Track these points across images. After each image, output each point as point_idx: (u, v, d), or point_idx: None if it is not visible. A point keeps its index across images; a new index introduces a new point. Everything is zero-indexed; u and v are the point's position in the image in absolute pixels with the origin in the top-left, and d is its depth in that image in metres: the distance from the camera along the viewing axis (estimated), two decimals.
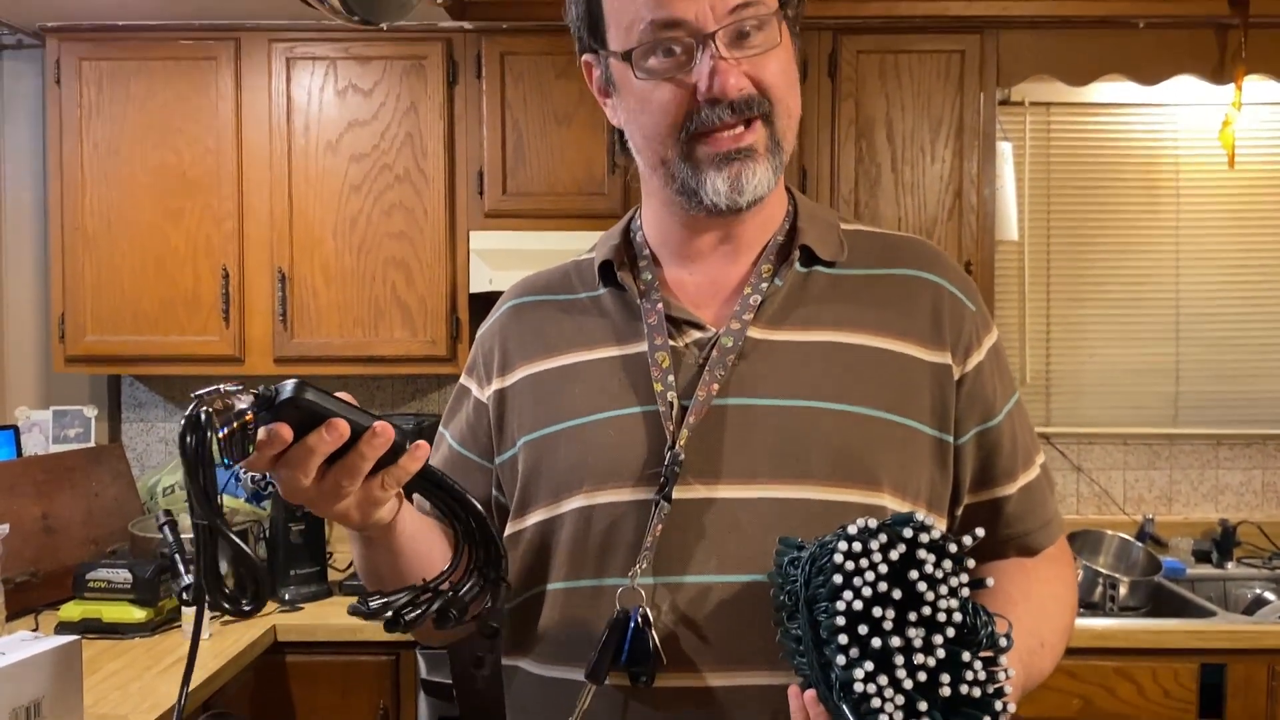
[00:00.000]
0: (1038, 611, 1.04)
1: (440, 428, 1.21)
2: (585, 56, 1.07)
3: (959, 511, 1.08)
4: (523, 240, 2.78)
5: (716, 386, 1.00)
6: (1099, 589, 2.68)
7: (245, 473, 2.90)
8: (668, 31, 0.97)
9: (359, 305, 2.83)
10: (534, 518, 1.06)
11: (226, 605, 0.85)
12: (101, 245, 2.84)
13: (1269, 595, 2.91)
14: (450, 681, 2.33)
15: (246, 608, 0.85)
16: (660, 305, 1.06)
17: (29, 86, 3.15)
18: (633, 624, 0.95)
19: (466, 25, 2.80)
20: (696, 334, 1.04)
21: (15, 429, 2.81)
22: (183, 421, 0.78)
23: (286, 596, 2.62)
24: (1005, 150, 2.96)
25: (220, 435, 0.78)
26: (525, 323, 1.14)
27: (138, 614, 2.36)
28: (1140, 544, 2.91)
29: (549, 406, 1.07)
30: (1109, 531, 2.94)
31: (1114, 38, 2.81)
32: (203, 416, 0.77)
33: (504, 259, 2.77)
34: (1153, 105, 3.13)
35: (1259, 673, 2.45)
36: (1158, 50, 2.82)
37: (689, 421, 0.99)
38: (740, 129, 0.99)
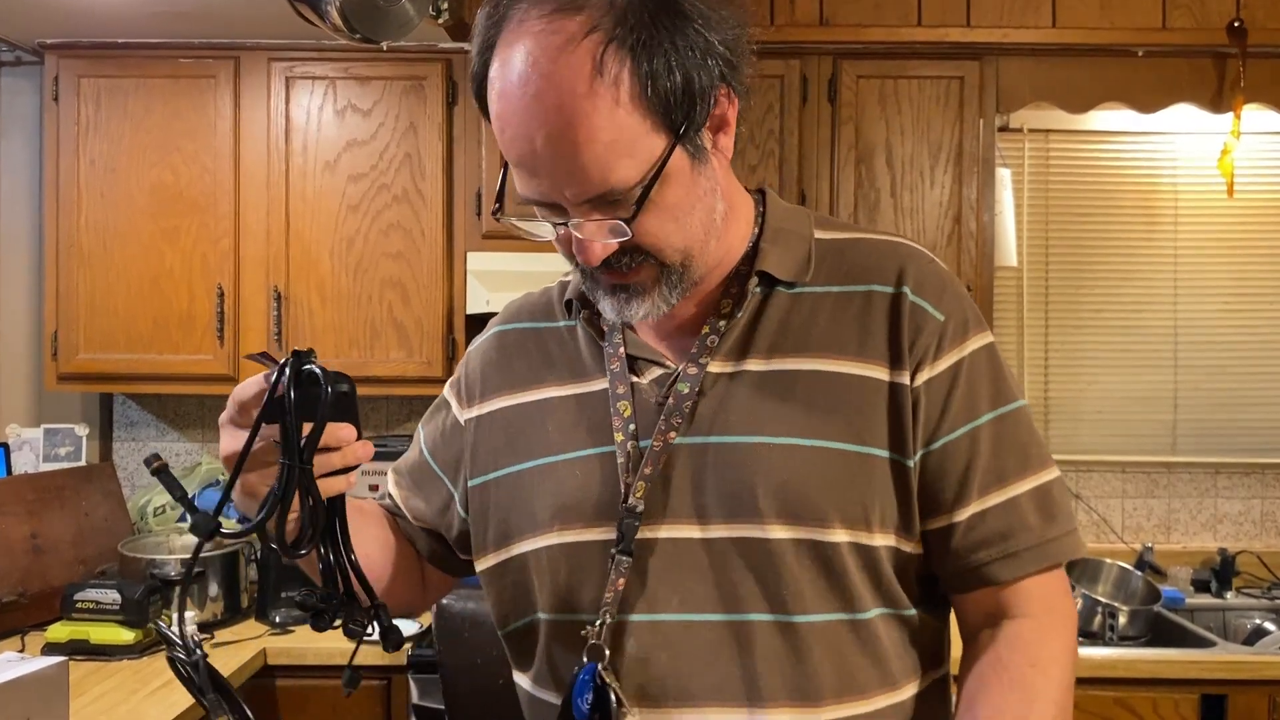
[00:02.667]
0: (1020, 696, 0.98)
1: (420, 425, 1.24)
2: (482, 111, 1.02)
3: (921, 534, 1.03)
4: (520, 262, 2.76)
5: (673, 434, 1.01)
6: (1098, 618, 2.66)
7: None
8: (539, 205, 0.97)
9: (355, 326, 2.81)
10: (504, 554, 1.09)
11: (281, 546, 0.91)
12: (96, 263, 2.82)
13: (1269, 625, 2.89)
14: (443, 707, 2.29)
15: (302, 551, 0.91)
16: (622, 349, 1.06)
17: (27, 103, 3.14)
18: (592, 683, 0.97)
19: (466, 46, 2.79)
20: (658, 370, 1.05)
21: (5, 446, 2.78)
22: (283, 372, 0.89)
23: (276, 619, 2.58)
24: (1004, 177, 2.96)
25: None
26: (504, 352, 1.16)
27: (126, 635, 2.32)
28: (1139, 573, 2.89)
29: (516, 443, 1.09)
30: (1108, 560, 2.92)
31: (1113, 66, 2.82)
32: (319, 373, 0.89)
33: (501, 280, 2.76)
34: (1152, 134, 3.14)
35: (1260, 704, 2.42)
36: (1157, 79, 2.83)
37: (644, 472, 1.00)
38: (623, 271, 0.98)
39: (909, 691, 1.03)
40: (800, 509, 0.97)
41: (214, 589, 2.59)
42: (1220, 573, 3.01)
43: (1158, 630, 2.69)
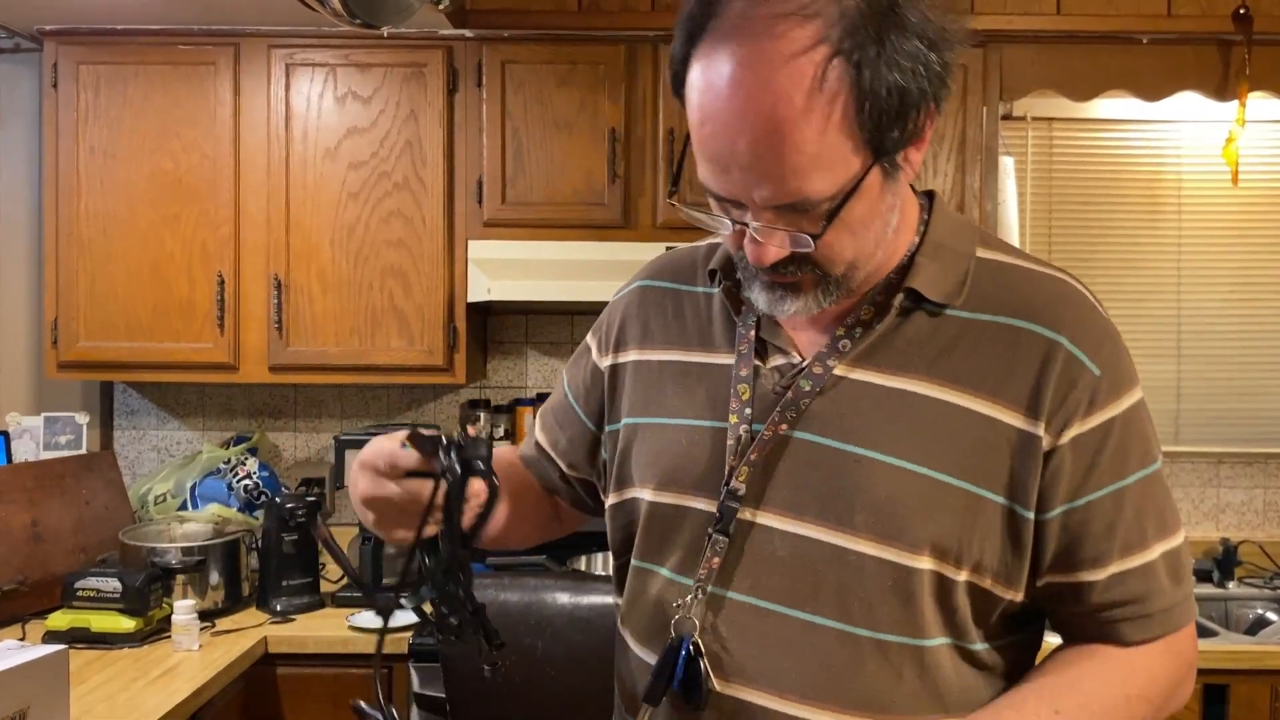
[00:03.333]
0: (1067, 683, 0.99)
1: (564, 370, 1.30)
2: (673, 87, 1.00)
3: (1039, 584, 1.01)
4: (522, 250, 2.75)
5: (785, 426, 1.02)
6: None
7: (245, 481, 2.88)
8: (718, 198, 0.96)
9: (356, 314, 2.80)
10: (612, 499, 1.16)
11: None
12: (96, 250, 2.81)
13: (1271, 615, 2.89)
14: (444, 695, 2.29)
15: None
16: (752, 332, 1.07)
17: (26, 90, 3.12)
18: (684, 653, 1.01)
19: (468, 33, 2.79)
20: (782, 359, 1.06)
21: (6, 434, 2.78)
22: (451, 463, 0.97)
23: (278, 608, 2.58)
24: (1008, 165, 2.94)
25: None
26: (643, 307, 1.18)
27: (127, 624, 2.32)
28: None
29: (645, 397, 1.13)
30: None
31: (1117, 54, 2.80)
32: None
33: (502, 269, 2.75)
34: (1155, 122, 3.12)
35: (1262, 694, 2.42)
36: (1161, 66, 2.81)
37: (750, 458, 1.02)
38: (786, 274, 0.98)
39: None
40: (892, 530, 0.97)
41: (215, 577, 2.58)
42: (1223, 562, 3.00)
43: None
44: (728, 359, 1.08)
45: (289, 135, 2.79)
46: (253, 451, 3.02)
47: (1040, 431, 0.97)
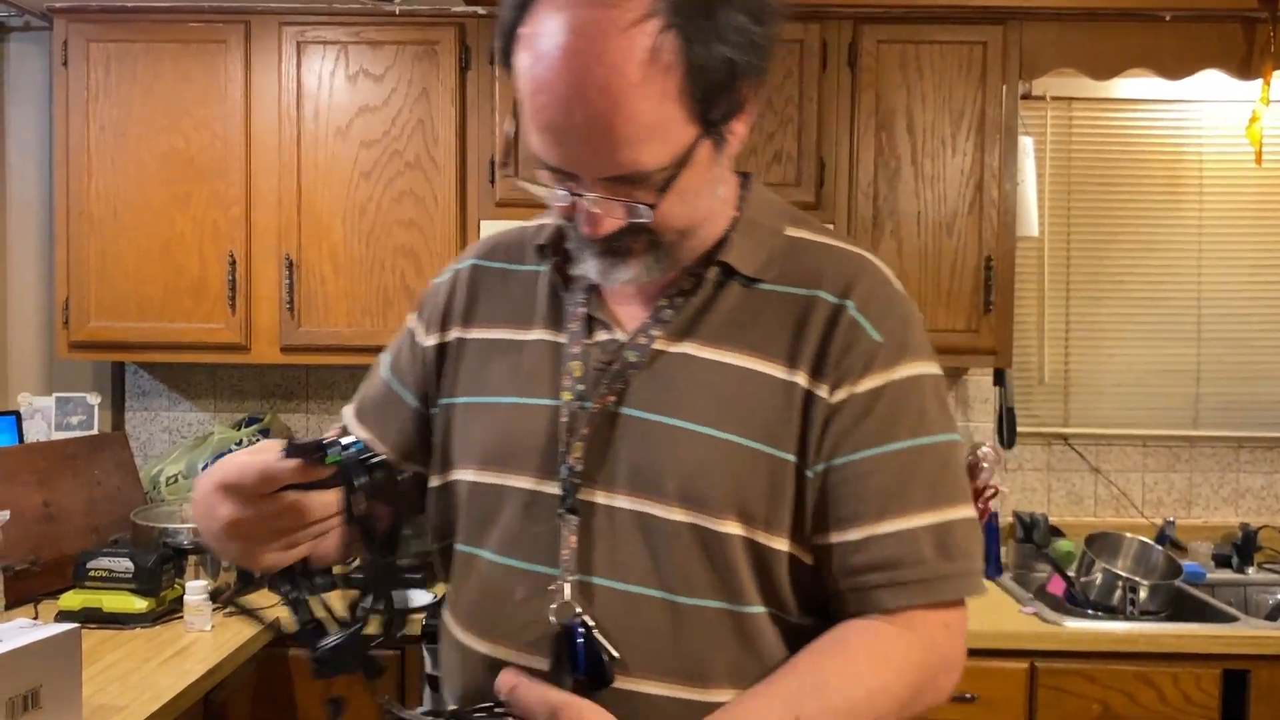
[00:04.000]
0: (811, 686, 0.95)
1: (382, 356, 1.26)
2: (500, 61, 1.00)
3: (810, 547, 1.02)
4: None
5: (612, 399, 1.03)
6: (1118, 592, 2.63)
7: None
8: (551, 170, 0.96)
9: (367, 294, 2.78)
10: (435, 480, 1.13)
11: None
12: (107, 230, 2.79)
13: None
14: None
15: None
16: (582, 308, 1.08)
17: (36, 69, 3.11)
18: (578, 636, 0.98)
19: (480, 10, 2.76)
20: (606, 335, 1.07)
21: (17, 415, 2.77)
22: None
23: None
24: (1026, 145, 2.90)
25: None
26: (473, 285, 1.17)
27: (139, 604, 2.31)
28: (1160, 547, 2.86)
29: (470, 376, 1.12)
30: (1128, 534, 2.88)
31: (1139, 31, 2.76)
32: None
33: None
34: (1177, 101, 3.07)
35: None
36: (1184, 44, 2.76)
37: (583, 433, 1.02)
38: (621, 243, 0.99)
39: None
40: (701, 496, 0.99)
41: None
42: (1242, 548, 2.97)
43: (1178, 605, 2.66)
44: (556, 336, 1.09)
45: (300, 114, 2.77)
46: (264, 433, 3.01)
47: (822, 392, 1.01)
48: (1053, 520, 3.05)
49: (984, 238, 2.74)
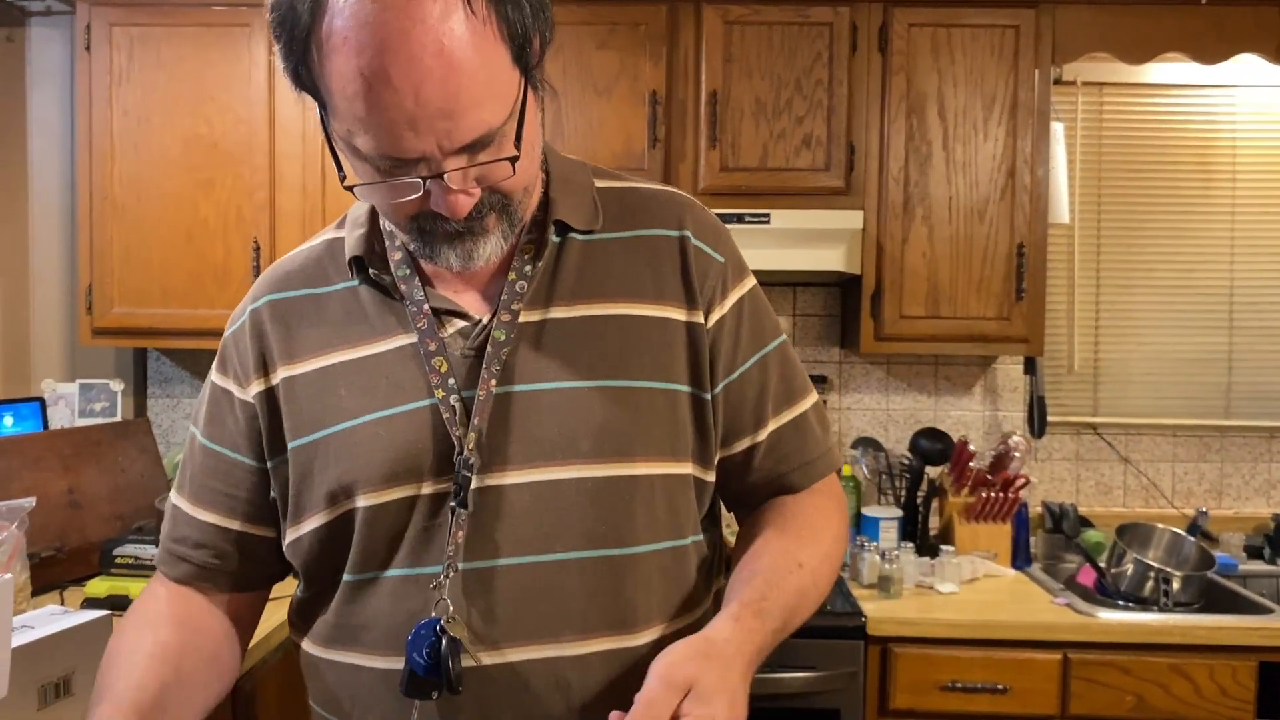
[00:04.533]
0: (794, 537, 1.07)
1: (193, 428, 1.14)
2: (293, 83, 0.95)
3: (716, 461, 1.10)
4: None
5: (494, 382, 1.01)
6: (1150, 583, 2.60)
7: None
8: (396, 165, 0.90)
9: None
10: (312, 523, 1.04)
11: None
12: (130, 216, 2.78)
13: None
14: None
15: None
16: (426, 305, 1.04)
17: (57, 54, 3.09)
18: (418, 634, 0.96)
19: None
20: (460, 323, 1.05)
21: (42, 401, 2.76)
22: None
23: None
24: (1057, 131, 2.86)
25: None
26: (282, 321, 1.08)
27: None
28: (1191, 538, 2.82)
29: (313, 411, 1.04)
30: (1159, 525, 2.85)
31: (1174, 14, 2.72)
32: None
33: None
34: (1209, 86, 3.03)
35: None
36: (1219, 28, 2.72)
37: (473, 423, 0.99)
38: (479, 218, 0.97)
39: (702, 611, 1.09)
40: (619, 446, 1.01)
41: None
42: (1274, 539, 2.94)
43: (1211, 597, 2.63)
44: (401, 340, 1.04)
45: None
46: None
47: (699, 319, 1.07)
48: (1081, 510, 3.02)
49: (1016, 224, 2.70)
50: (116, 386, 2.93)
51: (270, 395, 1.07)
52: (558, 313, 1.04)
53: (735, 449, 1.11)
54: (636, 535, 1.02)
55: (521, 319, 1.03)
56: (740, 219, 2.62)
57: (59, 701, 1.59)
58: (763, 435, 1.11)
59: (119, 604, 2.27)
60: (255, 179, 2.76)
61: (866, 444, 3.04)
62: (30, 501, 2.29)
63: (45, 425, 2.75)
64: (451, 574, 0.98)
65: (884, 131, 2.71)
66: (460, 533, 0.98)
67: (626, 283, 1.06)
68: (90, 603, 2.27)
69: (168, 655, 1.04)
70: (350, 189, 0.94)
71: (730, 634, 0.93)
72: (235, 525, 1.09)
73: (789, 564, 1.03)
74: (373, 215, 1.10)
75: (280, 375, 1.07)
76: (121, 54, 2.76)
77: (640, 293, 1.06)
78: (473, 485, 0.99)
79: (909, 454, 2.94)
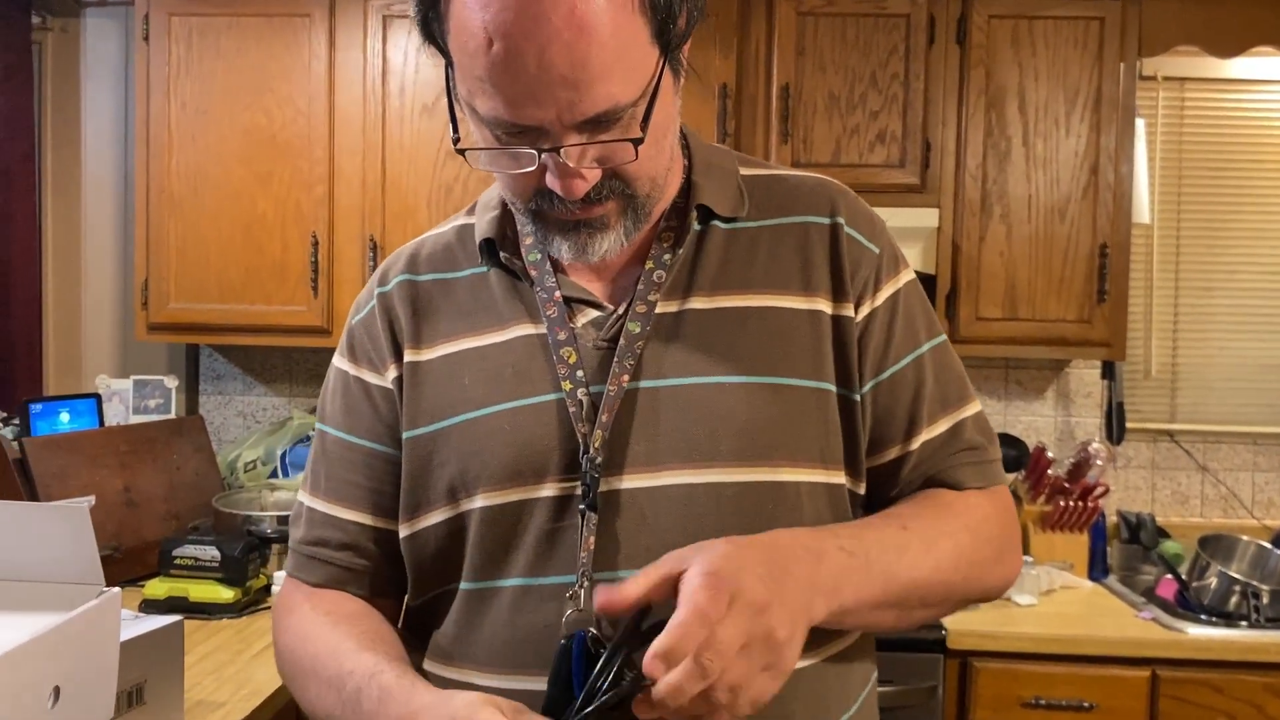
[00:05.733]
0: (912, 506, 0.98)
1: (321, 425, 1.08)
2: (421, 34, 0.90)
3: (865, 468, 1.01)
4: None
5: (626, 377, 0.94)
6: (1236, 597, 2.49)
7: None
8: (513, 133, 0.85)
9: None
10: (430, 519, 0.98)
11: None
12: (187, 209, 2.73)
13: None
14: None
15: None
16: (558, 292, 0.98)
17: (113, 46, 3.05)
18: (575, 650, 0.84)
19: None
20: (593, 313, 0.98)
21: (98, 397, 2.71)
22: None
23: None
24: (1139, 128, 2.76)
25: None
26: (413, 305, 1.03)
27: (225, 594, 2.24)
28: (1278, 551, 2.71)
29: (435, 400, 0.99)
30: (1244, 537, 2.74)
31: (1266, 6, 2.61)
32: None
33: None
34: None
35: None
36: None
37: (601, 420, 0.92)
38: (598, 203, 0.90)
39: (851, 638, 1.00)
40: (763, 449, 0.93)
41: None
42: None
43: None
44: (529, 329, 0.98)
45: (385, 90, 2.68)
46: None
47: (848, 312, 0.98)
48: (1158, 520, 2.91)
49: (1098, 223, 2.61)
50: (171, 383, 2.89)
51: (403, 381, 1.01)
52: (697, 304, 0.97)
53: (882, 459, 1.00)
54: None
55: (658, 310, 0.96)
56: None
57: (131, 710, 1.53)
58: (915, 444, 1.00)
59: (178, 606, 2.22)
60: (314, 172, 2.70)
61: None
62: (90, 500, 2.25)
63: (101, 422, 2.70)
64: (586, 584, 0.89)
65: (961, 127, 2.62)
66: (591, 539, 0.90)
67: (773, 273, 0.98)
68: (149, 605, 2.22)
69: (368, 632, 0.97)
70: (461, 152, 0.88)
71: (806, 540, 0.85)
72: (380, 523, 1.02)
73: (889, 521, 0.94)
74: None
75: (406, 360, 1.01)
76: (180, 45, 2.71)
77: (788, 283, 0.98)
78: (600, 488, 0.91)
79: None
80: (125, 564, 2.43)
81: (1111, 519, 2.93)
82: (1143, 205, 2.78)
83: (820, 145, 2.62)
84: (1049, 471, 2.74)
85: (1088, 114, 2.61)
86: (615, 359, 0.94)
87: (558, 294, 0.98)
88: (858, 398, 0.98)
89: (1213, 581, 2.55)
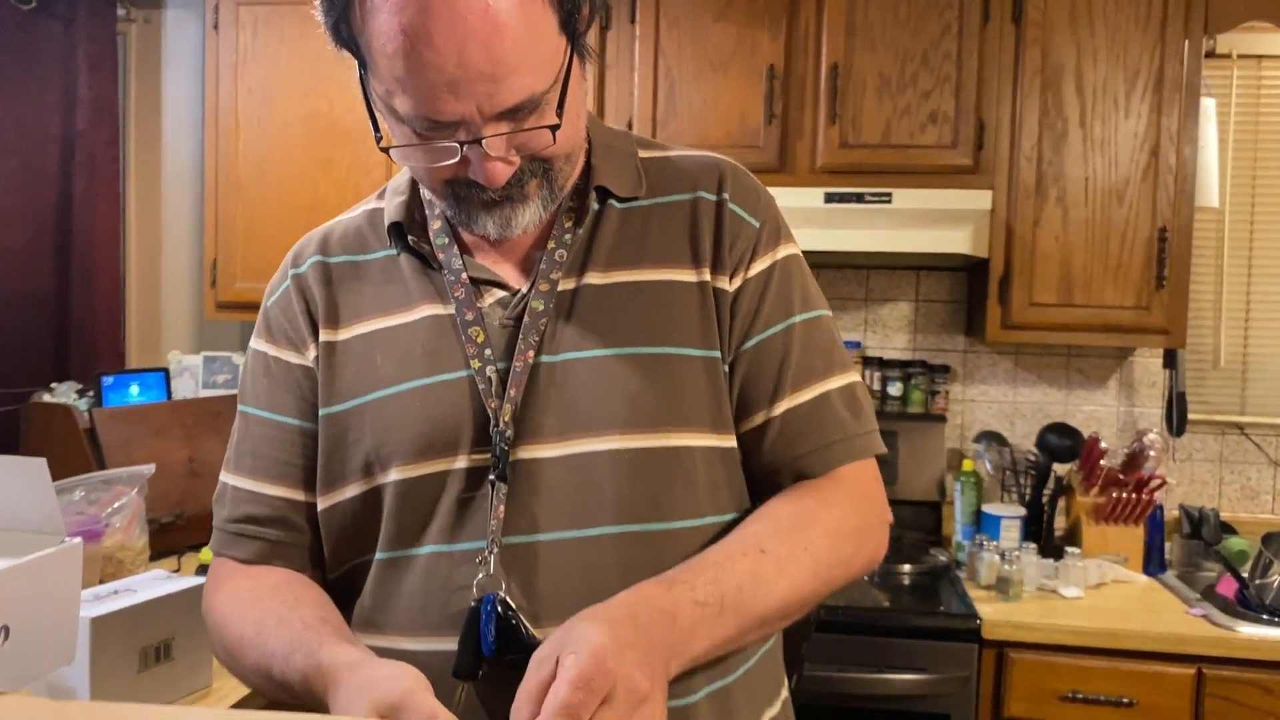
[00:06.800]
0: (770, 522, 0.98)
1: (243, 405, 1.10)
2: (332, 39, 0.92)
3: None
4: None
5: (531, 353, 0.98)
6: None
7: None
8: (433, 128, 0.89)
9: None
10: (345, 493, 1.01)
11: None
12: (253, 192, 2.84)
13: None
14: None
15: None
16: (464, 274, 1.02)
17: (192, 36, 3.18)
18: (484, 612, 0.90)
19: None
20: (499, 293, 1.02)
21: (166, 372, 2.85)
22: None
23: None
24: (1208, 108, 2.66)
25: None
26: (327, 285, 1.07)
27: None
28: None
29: (349, 379, 1.02)
30: None
31: None
32: None
33: None
34: None
35: None
36: None
37: (509, 395, 0.96)
38: (519, 185, 0.96)
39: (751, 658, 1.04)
40: (656, 416, 0.97)
41: None
42: None
43: None
44: (439, 309, 1.02)
45: None
46: None
47: (723, 284, 1.02)
48: (1224, 516, 2.81)
49: (1159, 207, 2.52)
50: (238, 359, 3.01)
51: (319, 360, 1.05)
52: (593, 279, 1.01)
53: (749, 424, 1.04)
54: (675, 510, 0.97)
55: (561, 287, 1.00)
56: (860, 198, 2.51)
57: (159, 665, 1.62)
58: (776, 411, 1.02)
59: None
60: (373, 158, 2.78)
61: (990, 438, 2.90)
62: (150, 468, 2.36)
63: (169, 395, 2.83)
64: (495, 549, 0.94)
65: (1016, 107, 2.56)
66: (501, 507, 0.95)
67: (665, 248, 1.03)
68: (204, 569, 2.33)
69: (300, 598, 0.99)
70: (386, 151, 0.93)
71: (660, 603, 0.86)
72: (309, 497, 1.05)
73: (747, 547, 0.94)
74: (414, 184, 1.08)
75: (322, 339, 1.05)
76: (247, 33, 2.82)
77: (679, 257, 1.02)
78: (509, 458, 0.95)
79: (1035, 450, 2.79)
80: (187, 530, 2.56)
81: (1173, 513, 2.84)
82: (1211, 188, 2.69)
83: (870, 126, 2.60)
84: (1102, 462, 2.67)
85: (1148, 94, 2.52)
86: (520, 336, 0.98)
87: (464, 275, 1.02)
88: (726, 366, 1.02)
89: (1276, 580, 2.45)
